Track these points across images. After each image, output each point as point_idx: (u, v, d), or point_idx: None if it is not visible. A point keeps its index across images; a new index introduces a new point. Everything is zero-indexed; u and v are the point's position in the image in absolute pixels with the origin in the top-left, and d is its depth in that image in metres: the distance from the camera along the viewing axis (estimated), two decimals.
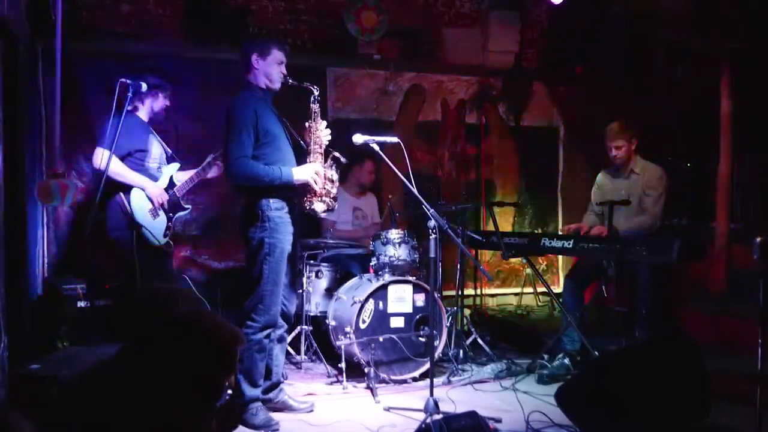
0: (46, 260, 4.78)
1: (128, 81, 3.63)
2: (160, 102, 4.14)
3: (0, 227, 3.40)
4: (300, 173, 3.39)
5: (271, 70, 3.44)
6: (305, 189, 3.44)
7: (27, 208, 4.08)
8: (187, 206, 4.28)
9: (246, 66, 3.46)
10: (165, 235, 4.09)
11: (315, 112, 3.52)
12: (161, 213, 4.07)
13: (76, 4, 4.87)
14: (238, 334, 1.86)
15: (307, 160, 3.49)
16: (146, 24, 5.19)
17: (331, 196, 3.50)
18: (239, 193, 3.50)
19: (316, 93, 3.51)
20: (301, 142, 3.56)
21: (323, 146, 3.52)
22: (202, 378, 1.77)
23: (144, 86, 3.77)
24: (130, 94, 3.69)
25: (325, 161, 3.52)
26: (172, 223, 4.16)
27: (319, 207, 3.47)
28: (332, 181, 3.51)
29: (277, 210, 3.36)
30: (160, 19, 5.23)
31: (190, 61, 5.12)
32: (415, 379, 4.17)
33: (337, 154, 3.54)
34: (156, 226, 4.02)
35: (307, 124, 3.53)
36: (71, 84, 4.59)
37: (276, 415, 3.42)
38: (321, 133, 3.51)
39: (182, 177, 4.22)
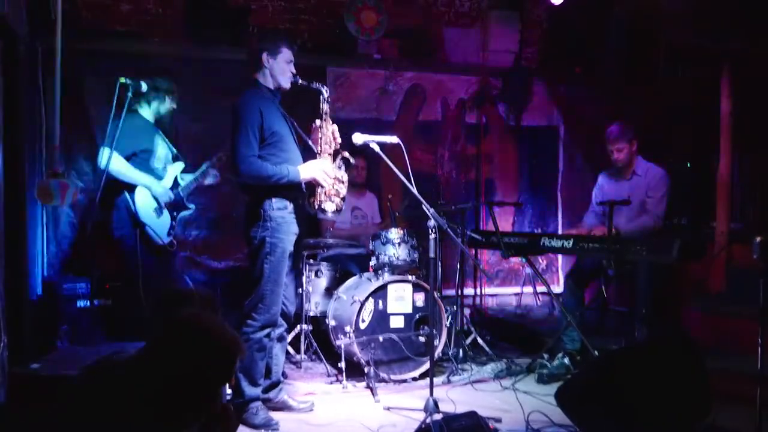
0: (45, 260, 4.78)
1: (128, 81, 3.63)
2: (167, 105, 4.14)
3: (0, 227, 3.40)
4: (307, 171, 3.37)
5: (281, 69, 3.41)
6: (313, 189, 3.42)
7: (27, 207, 4.08)
8: (190, 206, 4.28)
9: (255, 64, 3.41)
10: (168, 234, 4.09)
11: (325, 112, 3.50)
12: (165, 212, 4.07)
13: (76, 3, 4.87)
14: (238, 340, 1.85)
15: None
16: (146, 24, 5.18)
17: (341, 196, 3.49)
18: (242, 193, 3.50)
19: (326, 93, 3.49)
20: (309, 141, 3.55)
21: (332, 146, 3.50)
22: (199, 380, 1.77)
23: (144, 86, 3.77)
24: (129, 94, 3.68)
25: (334, 161, 3.51)
26: (175, 223, 4.16)
27: (329, 207, 3.44)
28: (342, 182, 3.50)
29: (280, 210, 3.35)
30: (160, 18, 5.22)
31: (190, 61, 5.11)
32: (414, 379, 4.17)
33: (346, 154, 3.52)
34: (160, 225, 4.02)
35: (317, 122, 3.51)
36: (71, 84, 4.58)
37: (276, 415, 3.43)
38: (330, 133, 3.50)
39: (185, 178, 4.22)
